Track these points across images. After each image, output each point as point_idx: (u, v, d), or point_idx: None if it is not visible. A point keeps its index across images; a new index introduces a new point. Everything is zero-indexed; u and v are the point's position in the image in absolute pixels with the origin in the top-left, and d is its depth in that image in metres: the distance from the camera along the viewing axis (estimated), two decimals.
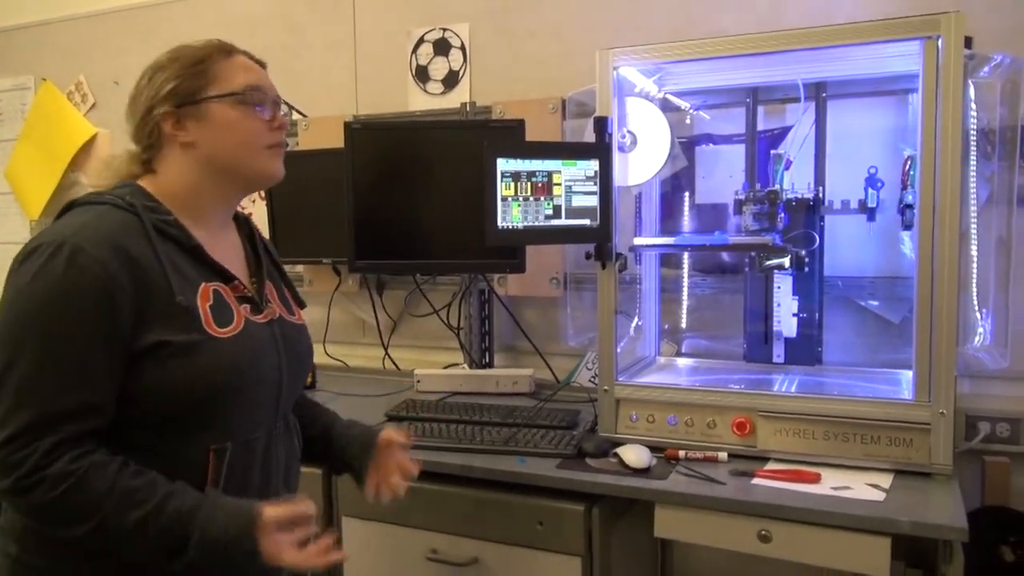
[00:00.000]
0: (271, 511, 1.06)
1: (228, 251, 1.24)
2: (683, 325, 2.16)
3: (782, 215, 1.78)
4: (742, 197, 1.83)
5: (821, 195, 1.86)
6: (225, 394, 1.11)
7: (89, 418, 1.02)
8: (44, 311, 1.00)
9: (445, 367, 2.42)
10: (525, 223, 1.65)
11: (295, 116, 2.57)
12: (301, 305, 1.36)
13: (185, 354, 1.06)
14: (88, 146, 3.03)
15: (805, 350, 1.90)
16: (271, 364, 1.19)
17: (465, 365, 2.40)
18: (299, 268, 2.61)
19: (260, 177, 1.22)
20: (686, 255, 2.12)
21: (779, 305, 1.89)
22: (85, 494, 0.99)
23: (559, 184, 1.66)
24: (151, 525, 1.00)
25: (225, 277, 1.17)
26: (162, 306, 1.06)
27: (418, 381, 2.29)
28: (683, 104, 2.04)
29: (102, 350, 1.02)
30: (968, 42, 1.47)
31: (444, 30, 2.48)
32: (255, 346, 1.16)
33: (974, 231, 1.75)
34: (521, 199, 1.64)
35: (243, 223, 1.32)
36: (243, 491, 1.14)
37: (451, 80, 2.48)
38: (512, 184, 1.64)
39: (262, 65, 1.24)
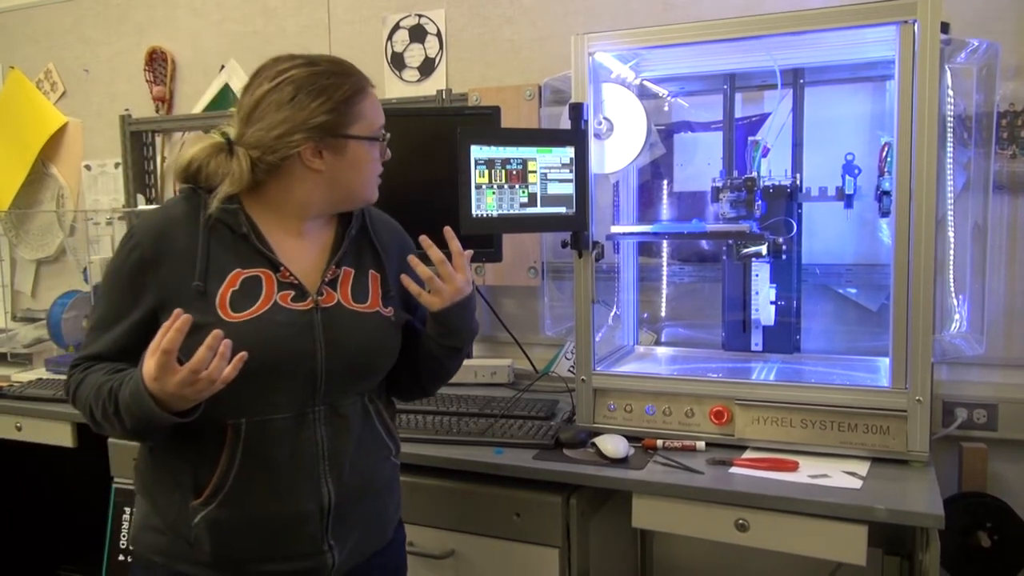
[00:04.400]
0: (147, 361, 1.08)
1: (306, 241, 1.27)
2: (662, 314, 2.15)
3: (759, 202, 1.78)
4: (719, 184, 1.82)
5: (798, 182, 1.85)
6: None
7: (121, 359, 1.18)
8: (106, 281, 1.23)
9: None
10: (500, 211, 1.63)
11: None
12: (386, 297, 1.31)
13: (197, 333, 1.08)
14: (58, 135, 2.99)
15: (783, 338, 1.90)
16: (297, 349, 1.19)
17: None
18: None
19: (365, 203, 1.31)
20: (665, 243, 2.11)
21: (757, 293, 1.88)
22: (82, 394, 1.17)
23: (534, 172, 1.64)
24: (109, 410, 1.13)
25: (273, 265, 1.21)
26: (186, 288, 1.16)
27: None
28: (661, 91, 2.03)
29: (135, 311, 1.18)
30: (945, 27, 1.47)
31: (420, 16, 2.45)
32: (272, 331, 1.17)
33: (951, 218, 1.75)
34: (496, 187, 1.62)
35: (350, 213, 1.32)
36: (266, 470, 1.18)
37: (427, 67, 2.45)
38: (486, 172, 1.61)
39: None
